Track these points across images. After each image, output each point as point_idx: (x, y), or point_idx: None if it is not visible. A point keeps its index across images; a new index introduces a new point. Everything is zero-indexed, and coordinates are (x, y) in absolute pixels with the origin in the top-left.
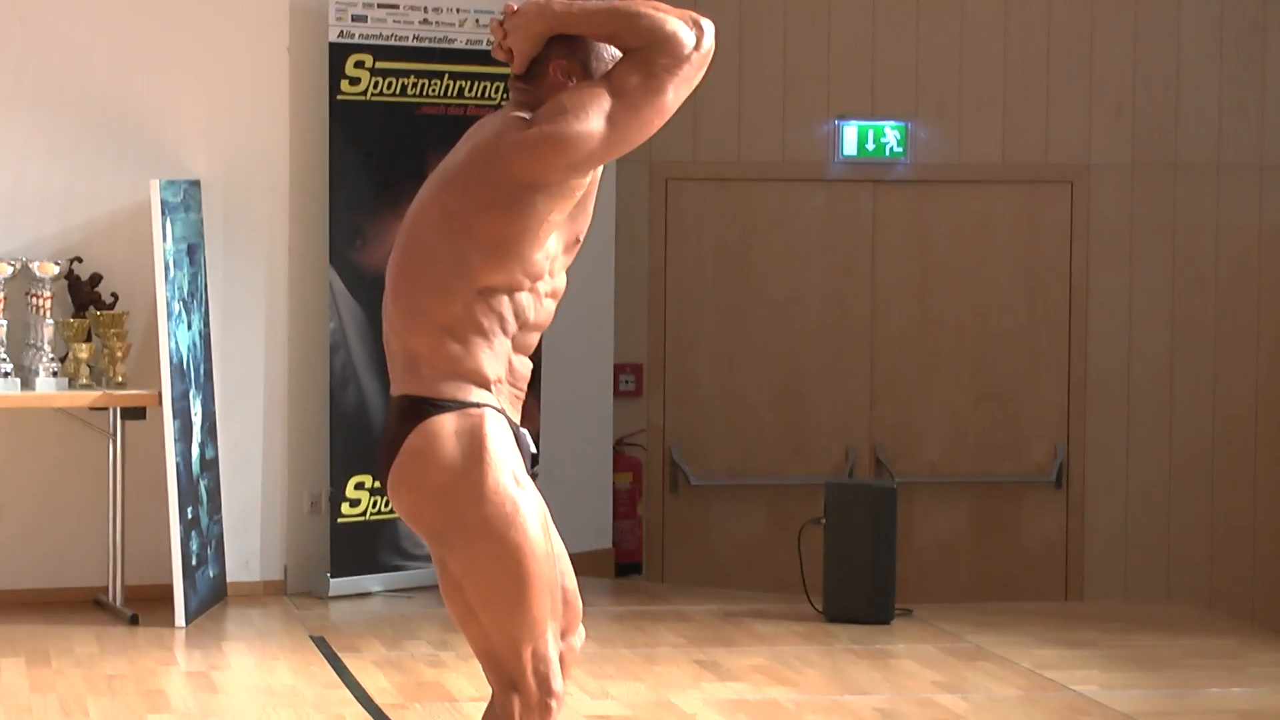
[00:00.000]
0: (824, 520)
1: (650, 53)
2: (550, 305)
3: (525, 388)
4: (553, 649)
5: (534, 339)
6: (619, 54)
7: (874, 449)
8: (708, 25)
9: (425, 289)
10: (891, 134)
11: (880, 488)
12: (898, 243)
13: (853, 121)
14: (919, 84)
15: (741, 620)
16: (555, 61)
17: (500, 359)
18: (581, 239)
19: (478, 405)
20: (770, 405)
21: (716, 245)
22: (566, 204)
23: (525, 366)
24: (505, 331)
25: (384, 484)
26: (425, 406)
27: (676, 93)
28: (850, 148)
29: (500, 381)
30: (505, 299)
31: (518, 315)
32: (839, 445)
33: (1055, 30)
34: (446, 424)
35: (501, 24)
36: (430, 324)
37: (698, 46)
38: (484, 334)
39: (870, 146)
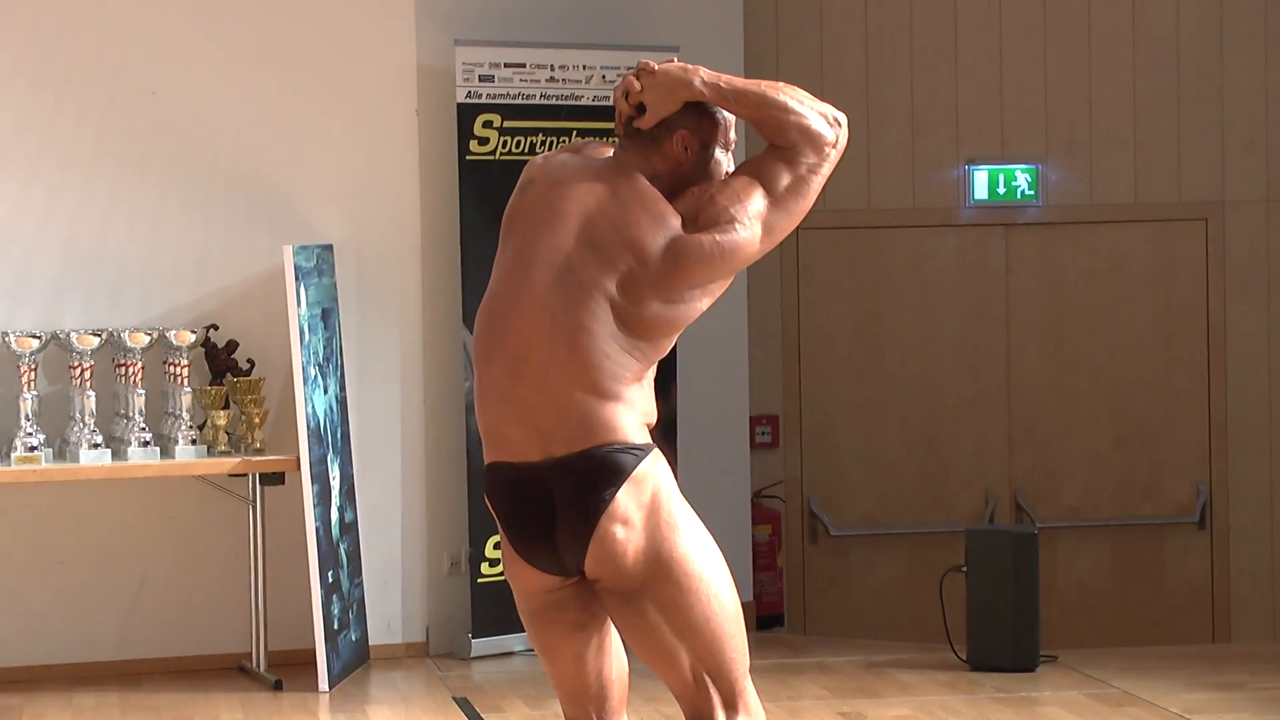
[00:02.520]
0: (965, 568)
1: (797, 152)
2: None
3: None
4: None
5: None
6: (733, 138)
7: (1014, 493)
8: (843, 120)
9: (600, 372)
10: (1022, 177)
11: (1021, 533)
12: (1031, 285)
13: (983, 165)
14: (1048, 125)
15: (885, 671)
16: (680, 132)
17: (650, 386)
18: None
19: (653, 446)
20: (908, 452)
21: (849, 293)
22: (720, 290)
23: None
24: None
25: (575, 539)
26: (622, 455)
27: (818, 189)
28: (981, 192)
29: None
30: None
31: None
32: (978, 491)
33: (1184, 66)
34: (646, 465)
35: (638, 77)
36: (609, 392)
37: (836, 143)
38: (645, 384)
39: (1001, 190)
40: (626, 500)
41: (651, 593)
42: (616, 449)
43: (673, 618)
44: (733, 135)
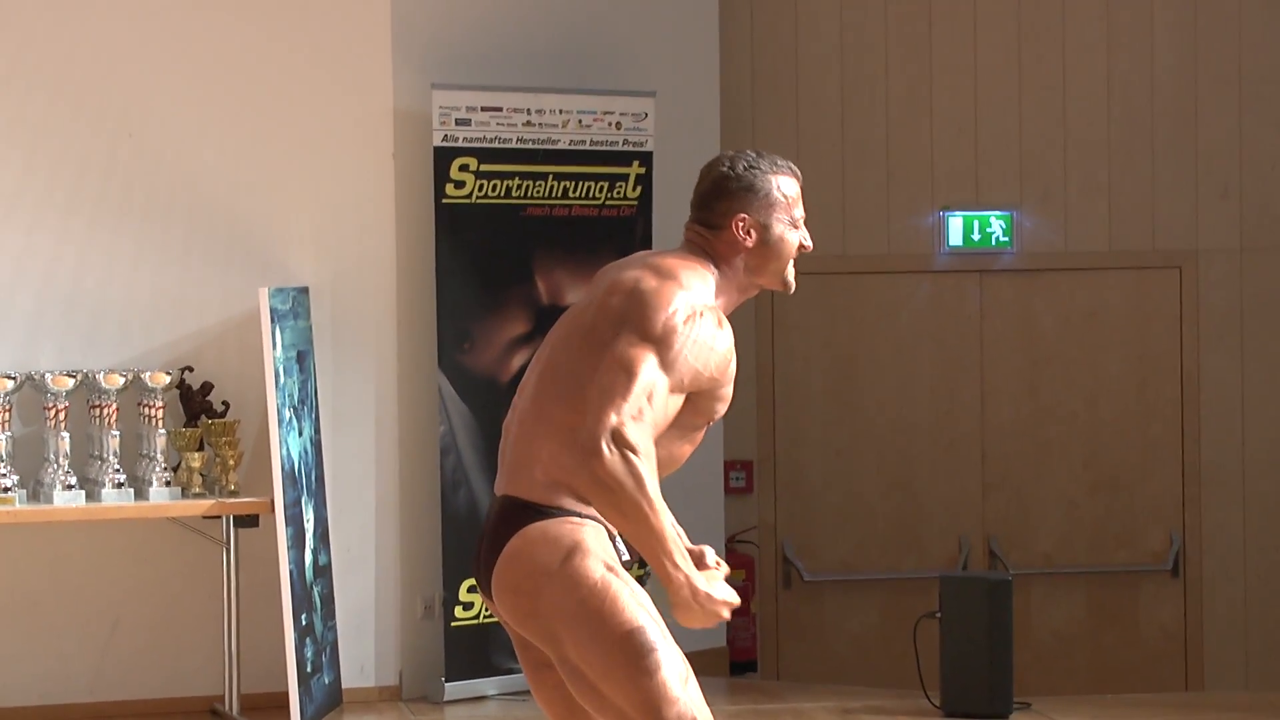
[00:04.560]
0: (939, 614)
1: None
2: (684, 449)
3: None
4: (699, 709)
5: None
6: (799, 215)
7: (987, 540)
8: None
9: (554, 397)
10: (997, 224)
11: (995, 579)
12: (1006, 332)
13: (958, 212)
14: (1023, 172)
15: (858, 717)
16: (738, 218)
17: None
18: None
19: (579, 515)
20: (882, 498)
21: (823, 339)
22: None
23: None
24: None
25: (482, 585)
26: (529, 511)
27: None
28: (956, 238)
29: None
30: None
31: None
32: (952, 537)
33: (1159, 114)
34: (547, 529)
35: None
36: (554, 430)
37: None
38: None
39: (976, 237)
40: (525, 558)
41: (563, 650)
42: (529, 504)
43: (586, 672)
44: (798, 212)
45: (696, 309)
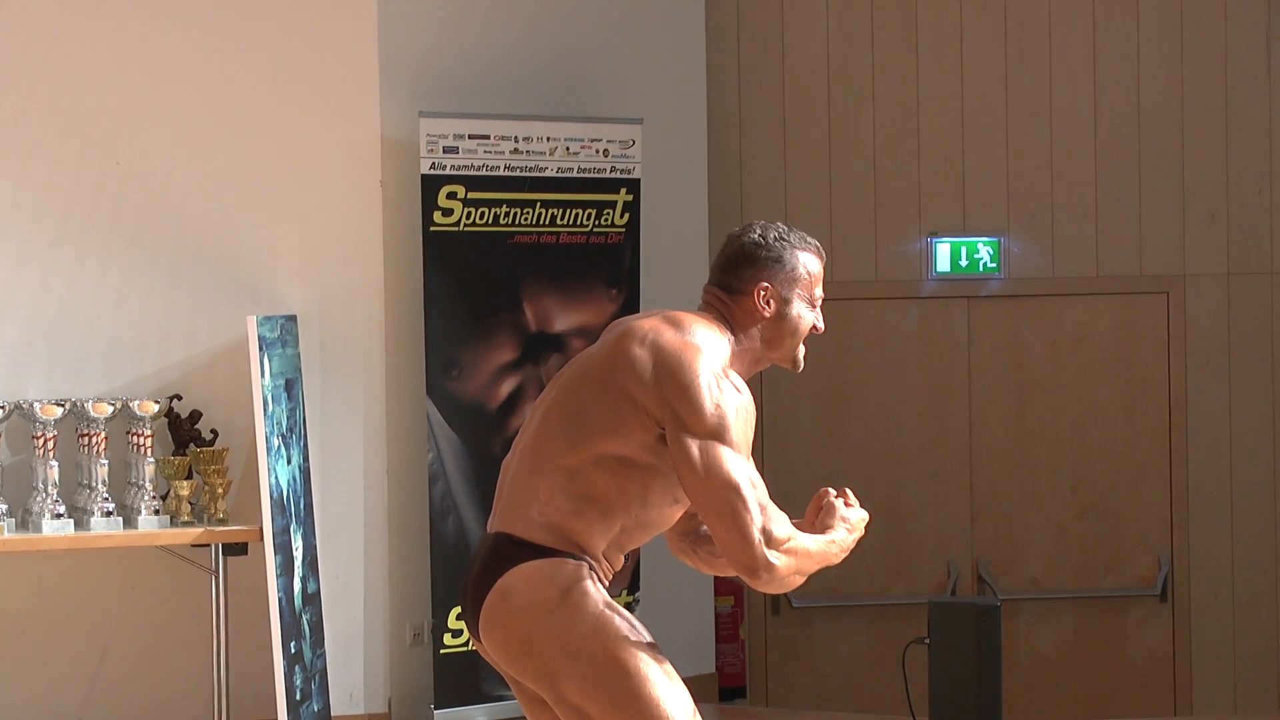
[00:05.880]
0: (928, 639)
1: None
2: (675, 511)
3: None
4: None
5: (645, 536)
6: (819, 295)
7: (976, 565)
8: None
9: (554, 437)
10: (985, 249)
11: (984, 605)
12: (994, 358)
13: (945, 238)
14: (1010, 198)
15: None
16: (761, 286)
17: (607, 534)
18: None
19: (574, 556)
20: (870, 524)
21: (811, 365)
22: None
23: (619, 561)
24: (619, 509)
25: (470, 623)
26: (523, 549)
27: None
28: (943, 264)
29: (598, 560)
30: (628, 475)
31: (642, 497)
32: (940, 563)
33: (1145, 139)
34: (540, 568)
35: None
36: (551, 469)
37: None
38: (597, 501)
39: (963, 262)
40: (519, 595)
41: (560, 687)
42: (524, 542)
43: (588, 709)
44: (818, 291)
45: (717, 373)
